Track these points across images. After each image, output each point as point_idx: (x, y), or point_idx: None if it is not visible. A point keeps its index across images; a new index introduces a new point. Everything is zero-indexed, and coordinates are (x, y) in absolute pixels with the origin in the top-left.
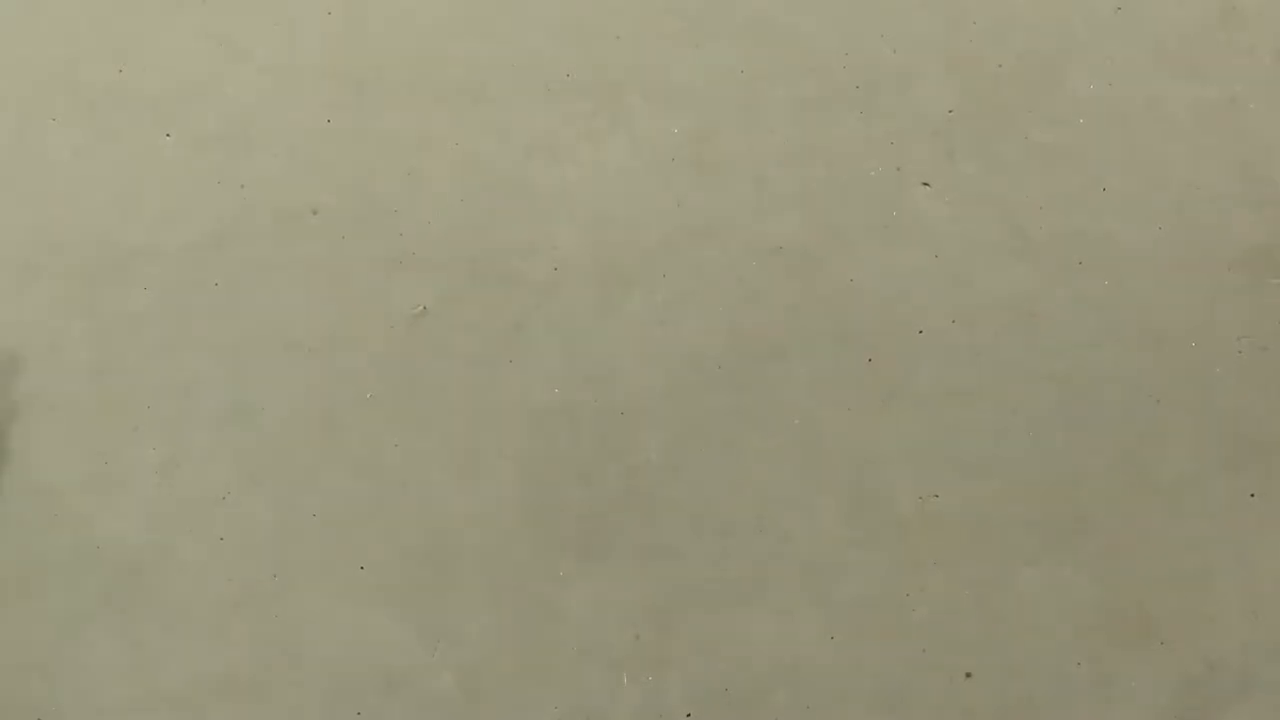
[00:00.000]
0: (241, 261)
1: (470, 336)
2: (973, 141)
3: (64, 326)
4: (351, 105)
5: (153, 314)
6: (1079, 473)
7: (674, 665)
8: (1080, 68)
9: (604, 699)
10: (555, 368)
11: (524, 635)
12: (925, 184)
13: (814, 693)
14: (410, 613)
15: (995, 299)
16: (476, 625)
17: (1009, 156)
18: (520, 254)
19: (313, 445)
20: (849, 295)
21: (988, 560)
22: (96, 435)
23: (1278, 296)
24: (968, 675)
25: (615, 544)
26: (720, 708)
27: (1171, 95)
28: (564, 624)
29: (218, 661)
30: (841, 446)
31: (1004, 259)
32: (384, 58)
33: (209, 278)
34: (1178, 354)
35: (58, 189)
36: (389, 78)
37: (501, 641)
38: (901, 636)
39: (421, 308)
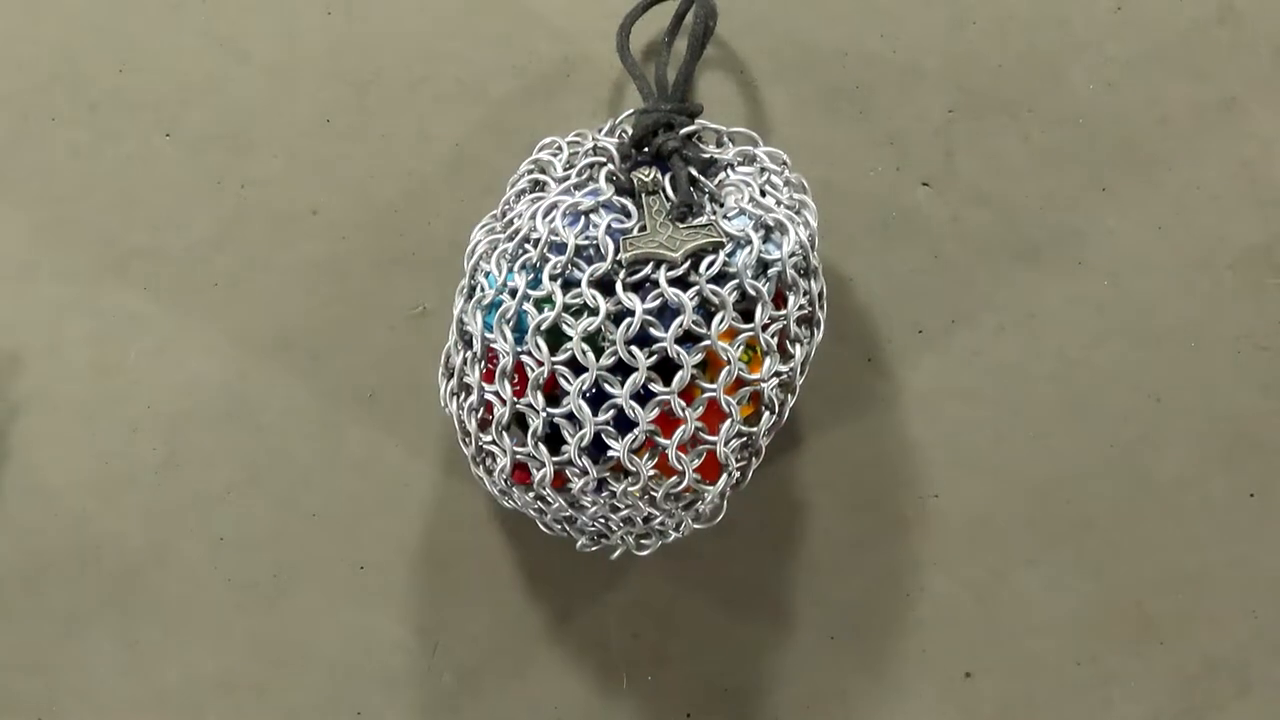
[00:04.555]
0: (241, 261)
1: None
2: (973, 141)
3: (64, 326)
4: (351, 105)
5: (153, 314)
6: (1079, 473)
7: (674, 665)
8: (1080, 68)
9: (604, 699)
10: None
11: (524, 635)
12: (925, 184)
13: (814, 693)
14: (410, 613)
15: (995, 299)
16: (476, 625)
17: (1009, 156)
18: None
19: (313, 445)
20: (849, 295)
21: (988, 560)
22: (96, 435)
23: (1278, 296)
24: (967, 675)
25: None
26: (720, 708)
27: (1171, 95)
28: (564, 624)
29: (217, 661)
30: (842, 446)
31: (1004, 259)
32: (384, 58)
33: (209, 278)
34: (1178, 354)
35: (58, 189)
36: (389, 78)
37: (501, 641)
38: (901, 636)
39: (421, 308)
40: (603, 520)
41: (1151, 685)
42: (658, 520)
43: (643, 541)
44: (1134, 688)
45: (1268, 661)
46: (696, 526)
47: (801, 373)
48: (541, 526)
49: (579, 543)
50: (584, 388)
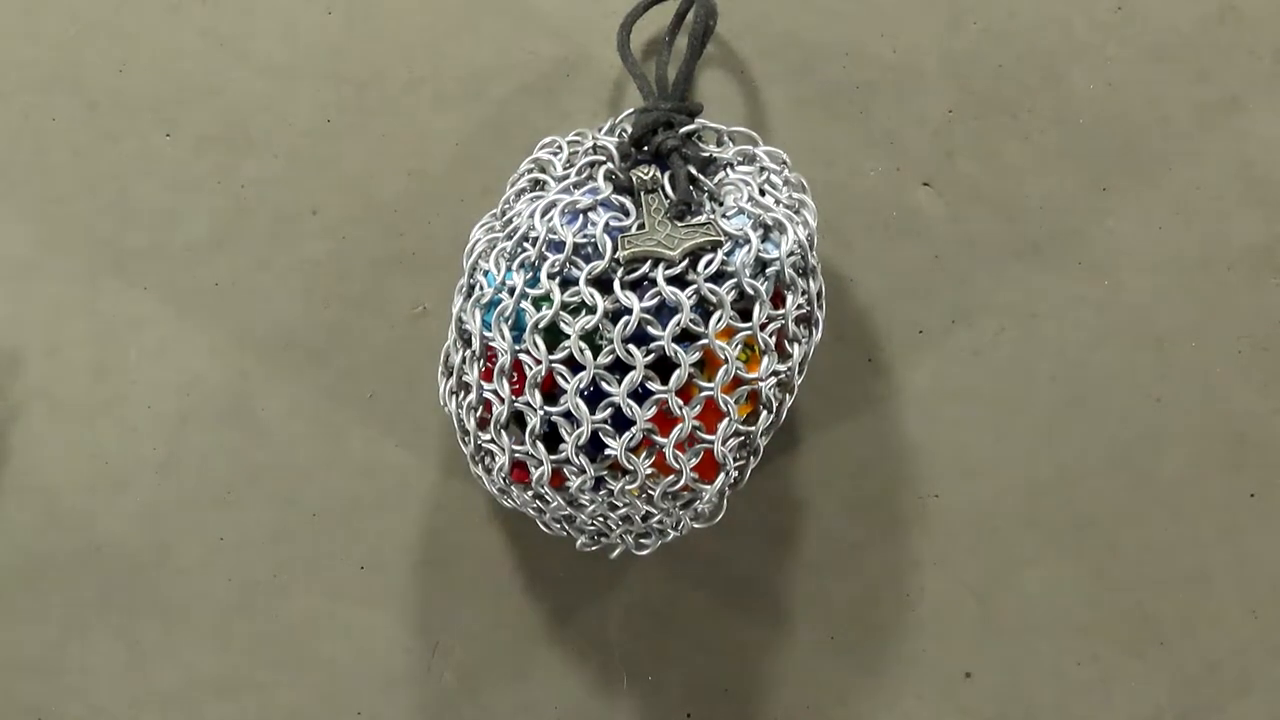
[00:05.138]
0: (241, 261)
1: None
2: (973, 141)
3: (64, 326)
4: (351, 105)
5: (153, 314)
6: (1079, 473)
7: (674, 665)
8: (1080, 68)
9: (604, 699)
10: None
11: (524, 635)
12: (925, 184)
13: (814, 693)
14: (410, 613)
15: (995, 299)
16: (476, 625)
17: (1009, 156)
18: None
19: (313, 445)
20: (849, 295)
21: (988, 560)
22: (96, 435)
23: (1278, 296)
24: (967, 675)
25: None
26: (720, 708)
27: (1171, 95)
28: (564, 624)
29: (218, 661)
30: (841, 446)
31: (1004, 259)
32: (384, 58)
33: (209, 278)
34: (1178, 354)
35: (58, 189)
36: (389, 78)
37: (501, 641)
38: (901, 636)
39: (421, 307)
40: (601, 519)
41: (1151, 685)
42: (656, 519)
43: (642, 541)
44: (1134, 688)
45: (1268, 661)
46: (696, 526)
47: (800, 372)
48: (541, 526)
49: (579, 542)
50: (582, 386)
